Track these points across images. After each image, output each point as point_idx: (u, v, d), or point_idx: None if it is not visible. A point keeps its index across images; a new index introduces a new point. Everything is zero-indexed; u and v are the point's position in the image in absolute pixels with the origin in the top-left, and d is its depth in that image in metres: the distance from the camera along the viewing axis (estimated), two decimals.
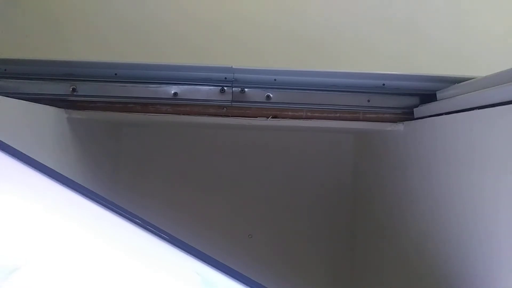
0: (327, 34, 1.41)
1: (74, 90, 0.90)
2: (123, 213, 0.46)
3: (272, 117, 0.95)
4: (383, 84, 0.92)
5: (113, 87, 0.91)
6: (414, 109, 0.92)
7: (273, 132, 1.41)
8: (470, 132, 0.67)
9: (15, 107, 0.75)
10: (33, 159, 0.45)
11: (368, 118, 0.95)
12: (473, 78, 0.77)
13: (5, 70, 0.89)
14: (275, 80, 0.91)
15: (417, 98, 0.92)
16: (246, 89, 0.92)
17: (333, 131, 1.33)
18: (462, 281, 0.66)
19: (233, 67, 0.90)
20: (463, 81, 0.80)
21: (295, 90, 0.93)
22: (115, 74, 0.90)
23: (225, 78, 0.91)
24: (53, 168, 0.46)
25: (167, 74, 0.91)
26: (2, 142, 0.45)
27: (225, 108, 0.95)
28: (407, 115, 0.94)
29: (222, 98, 0.92)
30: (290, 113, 0.95)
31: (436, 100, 0.88)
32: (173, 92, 0.92)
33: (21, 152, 0.45)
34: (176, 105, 0.94)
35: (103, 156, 1.27)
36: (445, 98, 0.84)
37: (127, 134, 1.42)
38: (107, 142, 1.33)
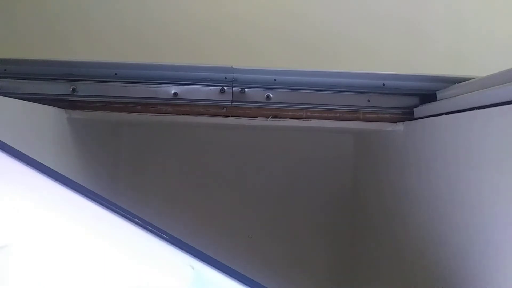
0: (327, 34, 1.41)
1: (74, 90, 0.90)
2: (123, 213, 0.46)
3: (272, 117, 0.95)
4: (383, 84, 0.92)
5: (113, 87, 0.91)
6: (414, 109, 0.92)
7: (273, 132, 1.41)
8: (470, 132, 0.67)
9: (15, 107, 0.75)
10: (33, 159, 0.45)
11: (368, 118, 0.95)
12: (473, 78, 0.77)
13: (5, 70, 0.89)
14: (275, 80, 0.91)
15: (417, 98, 0.92)
16: (246, 89, 0.92)
17: (333, 131, 1.33)
18: (461, 280, 0.66)
19: (233, 67, 0.90)
20: (463, 81, 0.80)
21: (295, 90, 0.92)
22: (115, 74, 0.90)
23: (225, 78, 0.91)
24: (53, 168, 0.46)
25: (167, 74, 0.91)
26: (2, 142, 0.45)
27: (225, 108, 0.95)
28: (407, 115, 0.94)
29: (222, 98, 0.92)
30: (290, 113, 0.95)
31: (436, 100, 0.87)
32: (173, 92, 0.92)
33: (21, 152, 0.45)
34: (176, 105, 0.94)
35: (103, 156, 1.27)
36: (445, 98, 0.84)
37: (127, 134, 1.42)
38: (107, 142, 1.33)
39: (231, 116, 0.95)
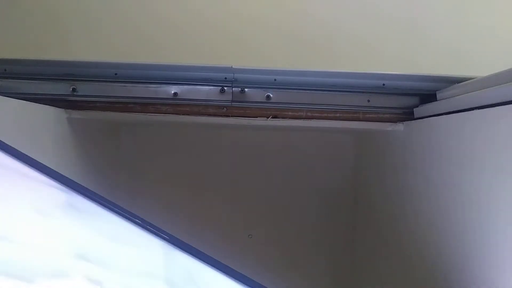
0: (327, 34, 1.41)
1: (74, 90, 0.90)
2: (123, 212, 0.46)
3: (272, 117, 0.95)
4: (383, 84, 0.92)
5: (113, 87, 0.91)
6: (414, 109, 0.92)
7: (273, 132, 1.41)
8: (470, 132, 0.67)
9: (15, 107, 0.75)
10: (33, 159, 0.45)
11: (368, 118, 0.95)
12: (473, 78, 0.77)
13: (5, 70, 0.89)
14: (275, 80, 0.91)
15: (417, 98, 0.92)
16: (246, 89, 0.92)
17: (333, 131, 1.33)
18: (463, 280, 0.66)
19: (233, 67, 0.90)
20: (463, 81, 0.80)
21: (295, 90, 0.92)
22: (115, 74, 0.90)
23: (225, 78, 0.91)
24: (53, 168, 0.46)
25: (167, 74, 0.91)
26: (2, 142, 0.45)
27: (225, 108, 0.95)
28: (407, 115, 0.94)
29: (222, 98, 0.92)
30: (290, 113, 0.95)
31: (436, 100, 0.88)
32: (173, 92, 0.92)
33: (21, 152, 0.45)
34: (176, 105, 0.94)
35: (103, 156, 1.28)
36: (445, 98, 0.84)
37: (127, 134, 1.42)
38: (107, 142, 1.33)
39: (231, 116, 0.95)
